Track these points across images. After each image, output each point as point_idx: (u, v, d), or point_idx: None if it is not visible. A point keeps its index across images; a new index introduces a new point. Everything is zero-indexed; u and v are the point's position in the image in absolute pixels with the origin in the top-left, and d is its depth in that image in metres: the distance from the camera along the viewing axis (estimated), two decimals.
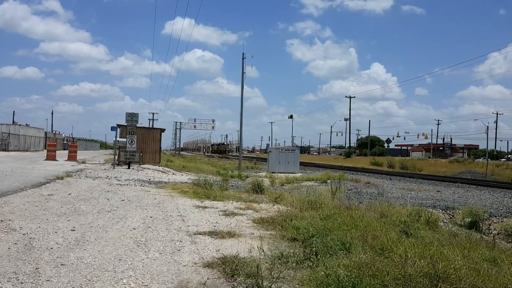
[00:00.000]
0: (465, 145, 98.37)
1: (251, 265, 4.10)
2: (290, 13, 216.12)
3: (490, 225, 9.79)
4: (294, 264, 4.35)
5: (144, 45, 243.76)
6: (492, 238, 7.23)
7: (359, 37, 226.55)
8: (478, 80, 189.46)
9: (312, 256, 4.49)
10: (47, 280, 3.60)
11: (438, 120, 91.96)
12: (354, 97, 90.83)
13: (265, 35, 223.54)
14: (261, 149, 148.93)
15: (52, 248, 4.63)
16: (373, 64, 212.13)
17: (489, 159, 55.06)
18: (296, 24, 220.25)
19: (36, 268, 3.90)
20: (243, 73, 33.70)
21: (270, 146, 79.37)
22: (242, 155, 37.73)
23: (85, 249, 4.65)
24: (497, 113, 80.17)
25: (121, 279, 3.76)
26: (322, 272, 3.81)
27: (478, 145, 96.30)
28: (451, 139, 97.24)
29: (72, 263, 4.11)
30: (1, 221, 5.84)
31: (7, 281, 3.53)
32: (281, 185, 16.87)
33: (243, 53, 33.66)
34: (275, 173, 24.21)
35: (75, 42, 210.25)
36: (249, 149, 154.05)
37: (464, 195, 15.84)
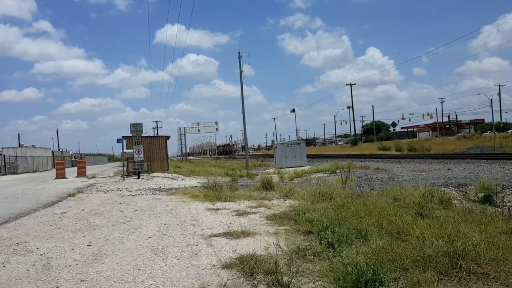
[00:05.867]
0: (470, 120, 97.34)
1: (269, 262, 4.10)
2: (277, 8, 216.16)
3: (504, 197, 9.72)
4: (312, 257, 4.35)
5: (139, 55, 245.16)
6: (507, 210, 7.17)
7: (350, 23, 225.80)
8: (474, 54, 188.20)
9: (328, 247, 4.48)
10: None
11: (442, 98, 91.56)
12: (355, 84, 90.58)
13: (256, 32, 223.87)
14: (266, 146, 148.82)
15: (70, 265, 4.66)
16: (368, 49, 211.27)
17: (496, 132, 54.64)
18: (285, 18, 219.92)
19: (57, 287, 3.93)
20: (241, 72, 33.69)
21: (275, 142, 79.26)
22: (248, 153, 37.71)
23: (103, 263, 4.68)
24: (499, 85, 79.43)
25: None
26: (341, 262, 3.80)
27: (483, 119, 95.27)
28: (456, 115, 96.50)
29: (92, 278, 4.13)
30: (17, 243, 5.89)
31: None
32: (290, 180, 16.84)
33: (239, 52, 33.73)
34: (283, 168, 24.21)
35: (70, 60, 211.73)
36: (254, 147, 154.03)
37: (475, 170, 15.73)
